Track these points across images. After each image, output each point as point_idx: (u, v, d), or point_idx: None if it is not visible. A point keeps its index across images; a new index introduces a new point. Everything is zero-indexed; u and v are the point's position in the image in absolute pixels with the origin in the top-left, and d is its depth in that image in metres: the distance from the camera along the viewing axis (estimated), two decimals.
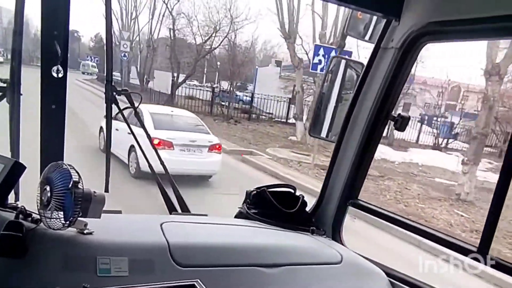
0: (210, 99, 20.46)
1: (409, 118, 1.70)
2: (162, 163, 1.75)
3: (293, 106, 18.60)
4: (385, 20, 1.67)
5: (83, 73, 31.35)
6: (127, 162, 7.15)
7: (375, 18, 1.74)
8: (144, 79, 26.38)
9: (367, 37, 1.79)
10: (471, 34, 1.53)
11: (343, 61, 1.90)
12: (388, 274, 1.64)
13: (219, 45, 20.68)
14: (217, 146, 7.65)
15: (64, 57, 1.33)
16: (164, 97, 20.32)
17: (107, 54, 1.60)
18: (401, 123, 1.69)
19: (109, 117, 1.57)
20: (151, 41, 25.44)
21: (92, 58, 32.17)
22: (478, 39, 2.04)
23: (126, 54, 24.83)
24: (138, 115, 1.66)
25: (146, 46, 25.87)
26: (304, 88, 16.59)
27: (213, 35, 20.09)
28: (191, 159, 7.17)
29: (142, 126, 1.65)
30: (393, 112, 1.72)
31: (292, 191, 1.88)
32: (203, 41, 20.83)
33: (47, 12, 1.32)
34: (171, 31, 21.75)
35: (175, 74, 21.38)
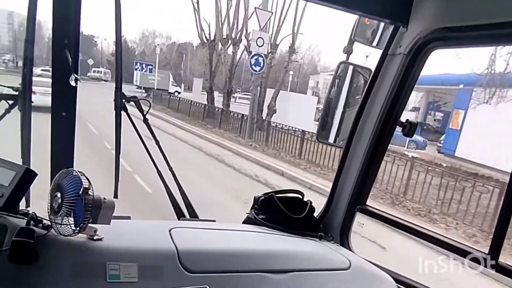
0: None
1: (417, 124, 1.69)
2: (170, 169, 1.76)
3: None
4: (392, 26, 1.67)
5: (139, 87, 22.32)
6: None
7: (382, 24, 1.74)
8: (267, 108, 14.93)
9: (374, 43, 1.79)
10: (479, 40, 1.53)
11: (351, 67, 1.89)
12: (396, 280, 1.63)
13: None
14: None
15: (75, 65, 1.35)
16: None
17: (117, 61, 1.61)
18: (409, 129, 1.69)
19: (118, 124, 1.58)
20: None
21: (144, 65, 22.93)
22: (486, 45, 2.04)
23: (260, 60, 12.46)
24: (147, 122, 1.67)
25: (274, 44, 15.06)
26: None
27: None
28: (47, 99, 12.13)
29: (151, 133, 1.66)
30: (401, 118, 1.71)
31: (300, 196, 1.87)
32: None
33: (58, 20, 1.33)
34: None
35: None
